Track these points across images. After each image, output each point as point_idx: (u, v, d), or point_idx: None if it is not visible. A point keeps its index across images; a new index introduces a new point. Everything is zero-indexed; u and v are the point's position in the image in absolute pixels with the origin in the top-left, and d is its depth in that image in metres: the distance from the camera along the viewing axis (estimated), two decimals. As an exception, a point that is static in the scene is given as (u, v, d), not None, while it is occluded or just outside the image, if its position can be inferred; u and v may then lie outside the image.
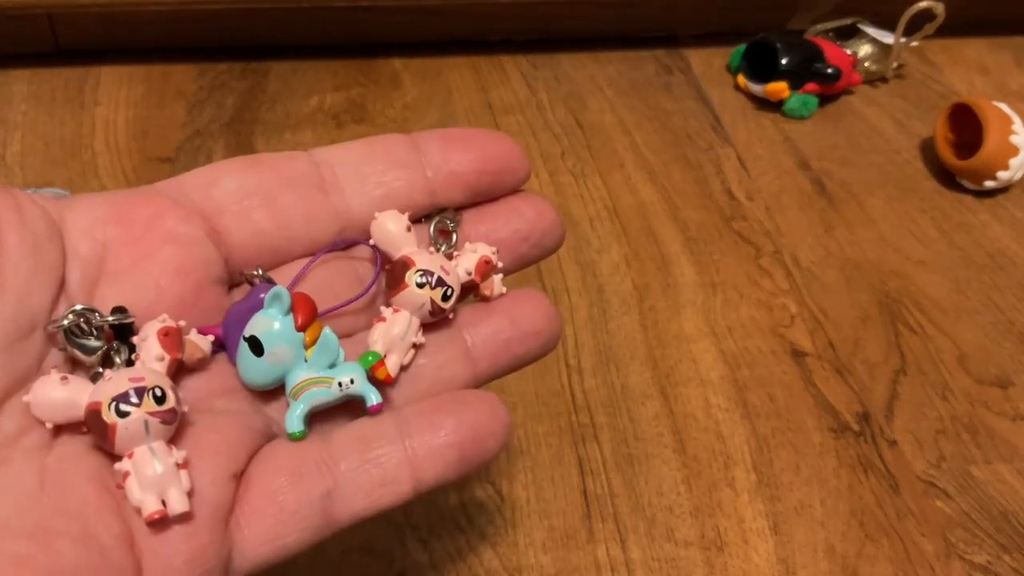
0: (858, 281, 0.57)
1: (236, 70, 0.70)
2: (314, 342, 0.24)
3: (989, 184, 0.62)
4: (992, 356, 0.53)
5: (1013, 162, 0.61)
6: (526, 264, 0.29)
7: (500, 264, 0.27)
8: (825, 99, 0.71)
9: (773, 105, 0.70)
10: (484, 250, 0.27)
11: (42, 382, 0.22)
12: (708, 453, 0.47)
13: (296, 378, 0.24)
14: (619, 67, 0.73)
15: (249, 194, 0.26)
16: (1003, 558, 0.43)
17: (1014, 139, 0.61)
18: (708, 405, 0.49)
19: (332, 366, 0.25)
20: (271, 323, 0.24)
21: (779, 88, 0.68)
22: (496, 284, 0.27)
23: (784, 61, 0.68)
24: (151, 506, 0.21)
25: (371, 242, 0.26)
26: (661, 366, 0.51)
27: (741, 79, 0.71)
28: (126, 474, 0.22)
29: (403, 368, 0.26)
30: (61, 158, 0.61)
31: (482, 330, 0.27)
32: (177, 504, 0.21)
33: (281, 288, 0.24)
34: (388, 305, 0.26)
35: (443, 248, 0.27)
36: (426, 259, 0.26)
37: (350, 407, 0.25)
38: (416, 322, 0.26)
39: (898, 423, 0.49)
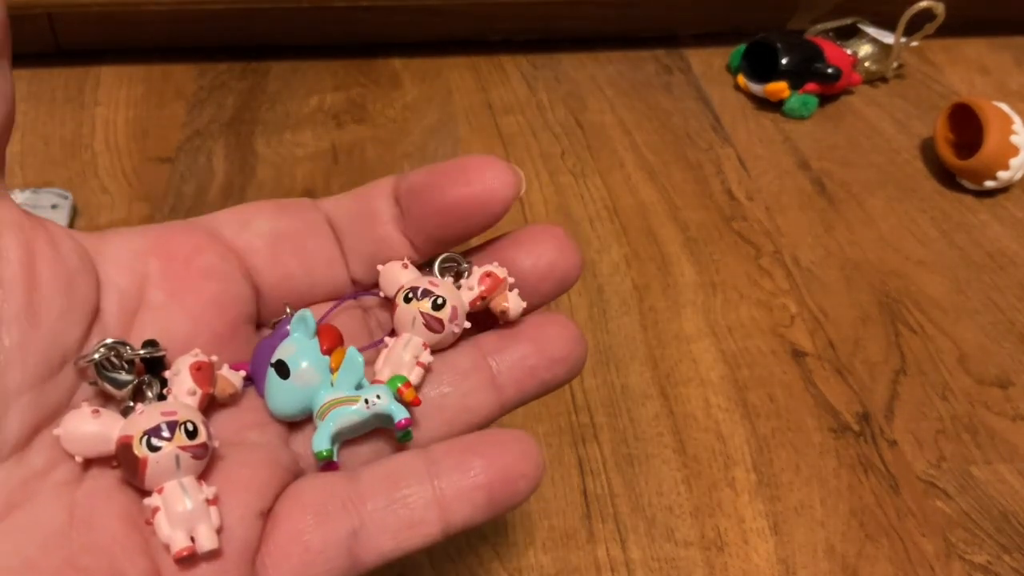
0: (858, 281, 0.57)
1: (236, 70, 0.70)
2: (339, 367, 0.24)
3: (989, 184, 0.62)
4: (992, 356, 0.53)
5: (1013, 162, 0.61)
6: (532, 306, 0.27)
7: (512, 280, 0.26)
8: (825, 99, 0.71)
9: (773, 105, 0.70)
10: (489, 268, 0.26)
11: (73, 415, 0.22)
12: (708, 453, 0.47)
13: (322, 399, 0.24)
14: (619, 67, 0.73)
15: (280, 237, 0.26)
16: (1003, 558, 0.43)
17: (1014, 139, 0.61)
18: (708, 405, 0.49)
19: (358, 387, 0.24)
20: (297, 346, 0.24)
21: (779, 88, 0.68)
22: (512, 299, 0.26)
23: (784, 61, 0.68)
24: (180, 542, 0.21)
25: (381, 293, 0.26)
26: (661, 366, 0.51)
27: (741, 79, 0.71)
28: (155, 509, 0.21)
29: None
30: (61, 158, 0.61)
31: (507, 357, 0.26)
32: (206, 541, 0.21)
33: (306, 311, 0.24)
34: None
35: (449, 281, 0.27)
36: (415, 281, 0.26)
37: (379, 436, 0.25)
38: (417, 340, 0.25)
39: (898, 423, 0.49)
